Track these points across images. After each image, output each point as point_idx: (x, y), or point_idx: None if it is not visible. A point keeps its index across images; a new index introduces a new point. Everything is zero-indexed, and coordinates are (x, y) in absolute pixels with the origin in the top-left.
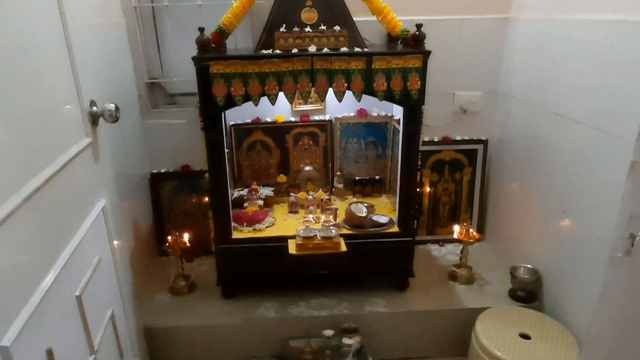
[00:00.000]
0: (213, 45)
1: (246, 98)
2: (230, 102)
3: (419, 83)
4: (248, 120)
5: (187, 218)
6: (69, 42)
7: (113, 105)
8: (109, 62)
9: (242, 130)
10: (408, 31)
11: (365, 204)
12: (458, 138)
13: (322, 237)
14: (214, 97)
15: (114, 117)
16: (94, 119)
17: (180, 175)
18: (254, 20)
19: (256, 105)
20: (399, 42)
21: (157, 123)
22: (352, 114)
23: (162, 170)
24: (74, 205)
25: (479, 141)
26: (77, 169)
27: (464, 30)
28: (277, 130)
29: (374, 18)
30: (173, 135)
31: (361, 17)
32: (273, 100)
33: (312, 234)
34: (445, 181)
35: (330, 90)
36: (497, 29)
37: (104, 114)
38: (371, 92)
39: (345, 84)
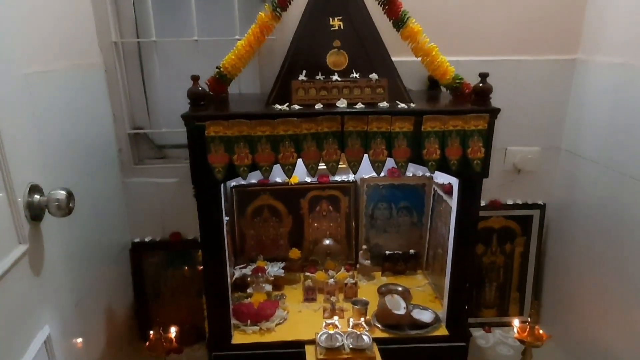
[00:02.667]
0: (211, 93)
1: (253, 167)
2: (232, 173)
3: (482, 150)
4: (253, 181)
5: (177, 296)
6: None
7: (64, 192)
8: (76, 112)
9: (246, 193)
10: (462, 79)
11: (399, 288)
12: (509, 202)
13: (352, 349)
14: (211, 167)
15: (65, 210)
16: (35, 214)
17: (169, 245)
18: (262, 58)
19: (266, 177)
20: (445, 90)
21: (141, 182)
22: (381, 174)
23: (147, 239)
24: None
25: (534, 206)
26: (7, 288)
27: (521, 74)
28: (289, 193)
29: (412, 57)
30: (160, 196)
31: (396, 57)
32: (289, 172)
33: (338, 344)
34: (493, 253)
35: (366, 157)
36: (561, 72)
37: (49, 206)
38: (420, 160)
39: (386, 151)
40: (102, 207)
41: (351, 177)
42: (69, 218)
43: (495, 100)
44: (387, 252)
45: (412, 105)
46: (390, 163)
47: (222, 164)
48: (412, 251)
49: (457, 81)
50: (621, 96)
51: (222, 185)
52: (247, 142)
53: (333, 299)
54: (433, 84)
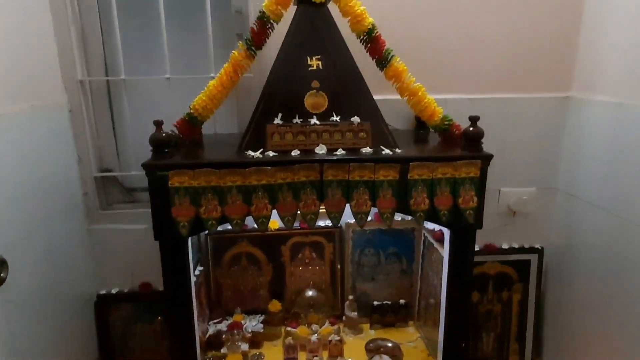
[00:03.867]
0: (181, 136)
1: (222, 220)
2: (199, 227)
3: (475, 199)
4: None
5: (147, 354)
6: None
7: None
8: (36, 157)
9: (223, 240)
10: (450, 120)
11: (389, 344)
12: (505, 246)
13: None
14: (175, 221)
15: None
16: None
17: (138, 297)
18: (239, 96)
19: (238, 229)
20: (432, 130)
21: (107, 229)
22: (368, 218)
23: (113, 291)
24: None
25: (532, 250)
26: None
27: (513, 112)
28: (269, 240)
29: (398, 96)
30: (129, 244)
31: (380, 95)
32: (263, 224)
33: None
34: (490, 301)
35: (348, 207)
36: (555, 110)
37: None
38: (407, 211)
39: (370, 202)
40: (63, 257)
41: None
42: (23, 272)
43: (487, 139)
44: (376, 303)
45: (398, 150)
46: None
47: (188, 217)
48: (402, 301)
49: (446, 122)
50: (619, 137)
51: (189, 239)
52: (215, 193)
53: (316, 359)
54: (421, 123)
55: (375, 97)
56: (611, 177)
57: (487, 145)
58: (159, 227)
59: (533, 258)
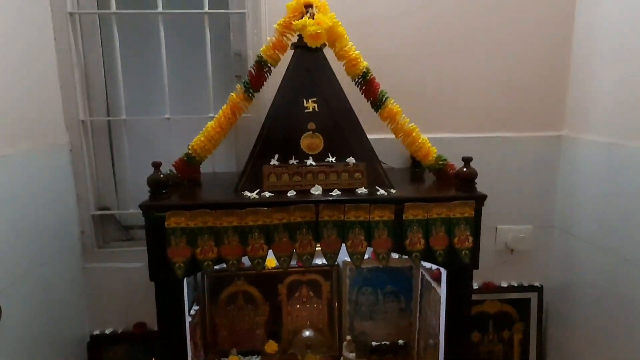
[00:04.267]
0: (179, 176)
1: (218, 261)
2: (195, 268)
3: (470, 240)
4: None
5: None
6: None
7: None
8: (35, 195)
9: (219, 279)
10: (445, 160)
11: None
12: (504, 284)
13: None
14: (171, 262)
15: None
16: None
17: (133, 338)
18: (237, 135)
19: (234, 269)
20: (427, 170)
21: (103, 267)
22: (365, 256)
23: (107, 331)
24: None
25: (531, 288)
26: None
27: (507, 150)
28: (266, 278)
29: (393, 136)
30: (124, 282)
31: (376, 135)
32: (259, 265)
33: None
34: (490, 341)
35: (344, 247)
36: (548, 149)
37: None
38: (403, 251)
39: (365, 242)
40: (57, 297)
41: None
42: (17, 312)
43: (482, 177)
44: (374, 343)
45: (393, 191)
46: None
47: (184, 258)
48: (401, 341)
49: (440, 162)
50: (612, 176)
51: (185, 279)
52: (212, 234)
53: None
54: (416, 162)
55: (371, 137)
56: (606, 215)
57: (483, 183)
58: (154, 268)
59: (533, 296)
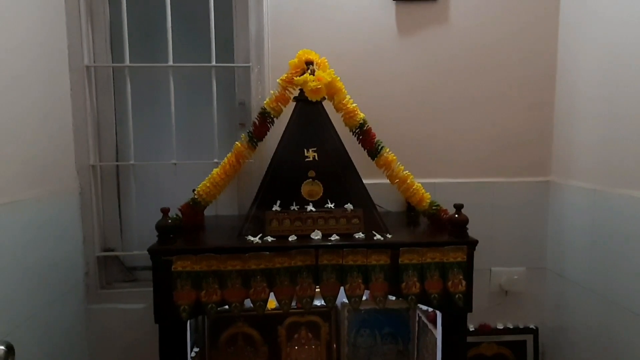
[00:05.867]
0: (184, 220)
1: (221, 304)
2: (199, 311)
3: (464, 283)
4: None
5: None
6: None
7: (3, 347)
8: (43, 239)
9: (220, 321)
10: (438, 206)
11: None
12: (500, 326)
13: None
14: (176, 305)
15: None
16: None
17: None
18: (240, 179)
19: (237, 314)
20: (422, 214)
21: (106, 308)
22: (363, 298)
23: None
24: None
25: (527, 330)
26: None
27: (498, 195)
28: (266, 320)
29: (389, 181)
30: (127, 324)
31: (372, 180)
32: (261, 308)
33: None
34: None
35: (342, 290)
36: (537, 193)
37: None
38: (399, 294)
39: (363, 285)
40: (60, 339)
41: None
42: (22, 356)
43: (475, 220)
44: None
45: (388, 235)
46: None
47: (189, 301)
48: None
49: (434, 207)
50: (598, 221)
51: (187, 331)
52: (216, 277)
53: None
54: (412, 205)
55: (368, 181)
56: (595, 259)
57: (476, 226)
58: (160, 311)
59: (529, 338)
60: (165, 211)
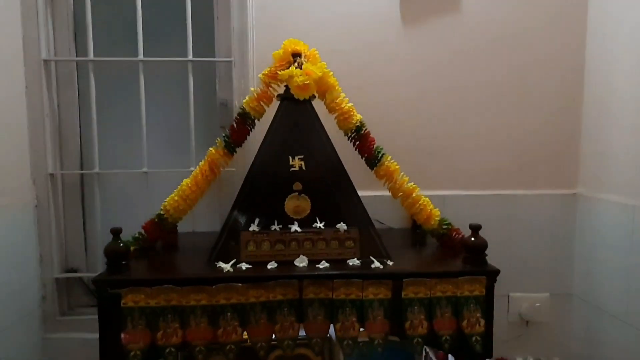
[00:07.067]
0: (149, 238)
1: (183, 347)
2: (154, 355)
3: (482, 323)
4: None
5: None
6: None
7: None
8: None
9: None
10: (449, 224)
11: None
12: None
13: None
14: (126, 350)
15: None
16: None
17: None
18: (221, 190)
19: (201, 358)
20: (430, 235)
21: (66, 338)
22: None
23: None
24: None
25: None
26: None
27: (517, 209)
28: (246, 352)
29: (389, 193)
30: (91, 356)
31: (371, 192)
32: (231, 353)
33: None
34: None
35: (332, 330)
36: (562, 208)
37: None
38: (402, 334)
39: (358, 324)
40: None
41: None
42: None
43: (490, 240)
44: None
45: (389, 263)
46: None
47: (142, 344)
48: None
49: (444, 227)
50: (635, 241)
51: None
52: (176, 315)
53: None
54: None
55: (365, 193)
56: (630, 285)
57: (492, 245)
58: (106, 356)
59: None
60: (116, 232)
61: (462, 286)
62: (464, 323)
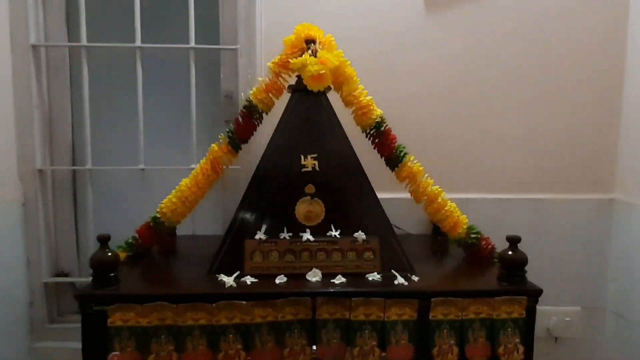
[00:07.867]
0: (140, 245)
1: None
2: None
3: (521, 349)
4: None
5: None
6: None
7: None
8: None
9: None
10: (479, 233)
11: None
12: None
13: None
14: None
15: None
16: None
17: None
18: (225, 189)
19: None
20: (456, 244)
21: (55, 347)
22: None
23: None
24: None
25: None
26: None
27: (547, 214)
28: None
29: (407, 194)
30: None
31: (389, 194)
32: None
33: None
34: None
35: (349, 355)
36: (596, 214)
37: None
38: None
39: (378, 349)
40: None
41: None
42: None
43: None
44: None
45: (414, 278)
46: None
47: None
48: None
49: (473, 236)
50: None
51: None
52: (171, 336)
53: None
54: (439, 228)
55: (385, 196)
56: None
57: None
58: None
59: None
60: (103, 240)
61: (498, 307)
62: (501, 349)
